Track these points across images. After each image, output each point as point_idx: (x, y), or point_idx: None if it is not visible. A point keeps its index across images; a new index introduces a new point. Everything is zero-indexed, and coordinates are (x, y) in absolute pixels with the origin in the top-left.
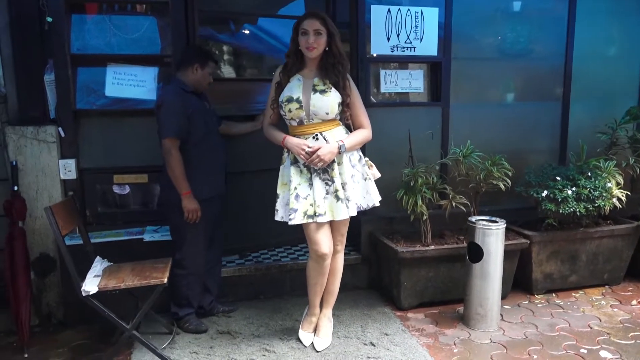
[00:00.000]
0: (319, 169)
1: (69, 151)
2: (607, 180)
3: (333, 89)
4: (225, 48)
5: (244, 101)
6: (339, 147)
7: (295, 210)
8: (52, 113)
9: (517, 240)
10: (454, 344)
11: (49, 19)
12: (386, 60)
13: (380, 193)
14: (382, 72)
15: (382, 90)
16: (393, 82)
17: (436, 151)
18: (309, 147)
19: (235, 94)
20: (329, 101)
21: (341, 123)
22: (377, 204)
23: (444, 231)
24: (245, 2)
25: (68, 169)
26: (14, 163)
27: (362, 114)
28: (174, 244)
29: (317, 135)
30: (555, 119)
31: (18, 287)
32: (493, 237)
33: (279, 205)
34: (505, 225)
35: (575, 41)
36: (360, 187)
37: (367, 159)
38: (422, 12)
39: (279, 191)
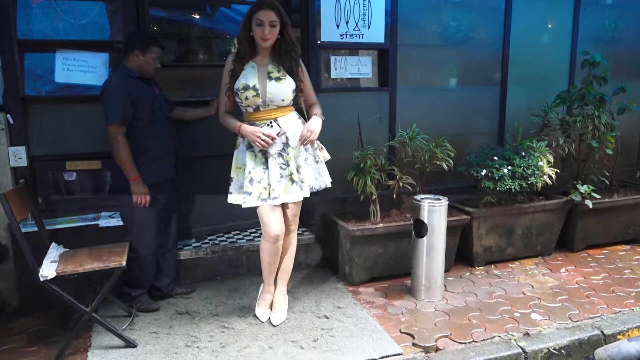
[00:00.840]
0: (276, 152)
1: (19, 138)
2: (539, 159)
3: (287, 75)
4: (187, 30)
5: (197, 87)
6: (322, 121)
7: (250, 194)
8: (0, 100)
9: (459, 217)
10: (402, 313)
11: None
12: (336, 47)
13: (332, 175)
14: (332, 58)
15: (333, 75)
16: (343, 68)
17: (384, 134)
18: (264, 135)
19: (188, 80)
20: (284, 88)
21: (293, 108)
22: (329, 185)
23: (391, 210)
24: None
25: (18, 156)
26: None
27: (313, 93)
28: (126, 228)
29: (271, 122)
30: (494, 103)
31: None
32: (437, 213)
33: (232, 188)
34: (448, 202)
35: (512, 29)
36: (312, 170)
37: (317, 141)
38: (369, 1)
39: (232, 174)
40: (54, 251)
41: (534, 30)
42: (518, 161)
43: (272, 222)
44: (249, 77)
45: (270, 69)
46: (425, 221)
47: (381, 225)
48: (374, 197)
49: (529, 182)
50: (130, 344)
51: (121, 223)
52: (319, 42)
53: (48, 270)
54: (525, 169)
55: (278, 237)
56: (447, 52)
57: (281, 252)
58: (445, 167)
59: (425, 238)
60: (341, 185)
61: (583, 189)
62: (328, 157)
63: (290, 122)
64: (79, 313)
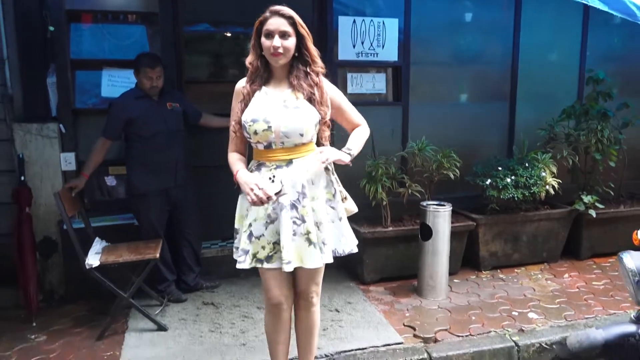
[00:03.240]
0: (289, 203)
1: (69, 145)
2: (542, 170)
3: (307, 104)
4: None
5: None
6: (350, 156)
7: (247, 252)
8: (54, 111)
9: (465, 223)
10: (407, 309)
11: (51, 28)
12: (352, 65)
13: (346, 183)
14: (349, 75)
15: (349, 91)
16: (358, 84)
17: (397, 146)
18: (258, 188)
19: (218, 95)
20: (303, 120)
21: (315, 146)
22: (355, 250)
23: (402, 216)
24: (229, 10)
25: (68, 161)
26: (21, 156)
27: (353, 113)
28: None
29: (273, 177)
30: (503, 117)
31: (27, 266)
32: (441, 218)
33: (237, 242)
34: (452, 208)
35: (521, 47)
36: (334, 228)
37: (341, 189)
38: (383, 23)
39: (237, 225)
40: (98, 245)
41: (543, 47)
42: (521, 171)
43: (273, 287)
44: (260, 106)
45: (287, 95)
46: (430, 225)
47: (391, 228)
48: (384, 202)
49: (532, 191)
50: (162, 328)
51: None
52: (336, 60)
53: (93, 259)
54: (527, 178)
55: (281, 307)
56: (457, 69)
57: (300, 331)
58: (451, 176)
59: (430, 241)
60: (354, 192)
61: (587, 199)
62: (354, 210)
63: (310, 165)
64: (118, 301)
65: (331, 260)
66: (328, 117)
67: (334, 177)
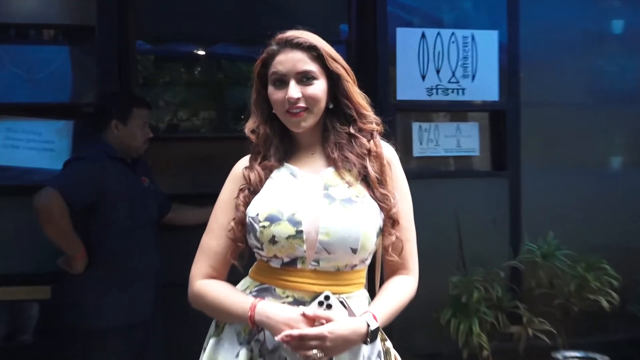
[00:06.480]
0: None
1: None
2: None
3: (365, 192)
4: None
5: (203, 171)
6: (367, 334)
7: None
8: None
9: None
10: None
11: None
12: (421, 108)
13: (415, 313)
14: (416, 126)
15: (416, 153)
16: (432, 140)
17: (502, 247)
18: (314, 335)
19: (188, 159)
20: (359, 221)
21: (365, 283)
22: None
23: None
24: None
25: None
26: None
27: (407, 231)
28: None
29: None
30: None
31: None
32: None
33: None
34: None
35: None
36: None
37: (388, 345)
38: (473, 37)
39: None
40: None
41: None
42: None
43: None
44: (282, 194)
45: (329, 177)
46: None
47: None
48: (485, 353)
49: None
50: None
51: None
52: (393, 101)
53: None
54: None
55: None
56: (601, 114)
57: None
58: (604, 304)
59: None
60: (430, 330)
61: None
62: None
63: (361, 307)
64: None
65: None
66: (396, 208)
67: (388, 346)
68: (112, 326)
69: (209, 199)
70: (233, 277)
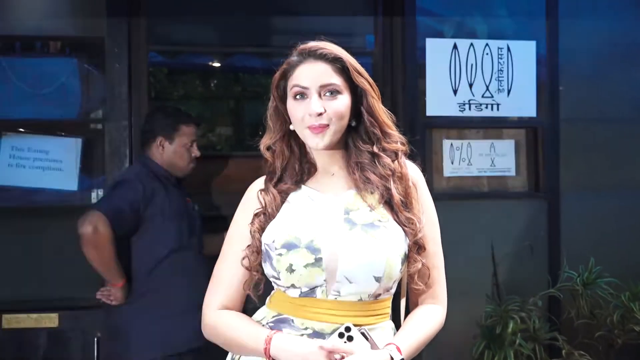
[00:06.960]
0: None
1: None
2: None
3: (389, 216)
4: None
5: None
6: None
7: None
8: None
9: None
10: None
11: None
12: (452, 125)
13: (445, 344)
14: (447, 143)
15: (447, 173)
16: (464, 159)
17: (539, 275)
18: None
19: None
20: (383, 249)
21: (390, 313)
22: None
23: None
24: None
25: None
26: None
27: (438, 264)
28: None
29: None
30: None
31: None
32: None
33: None
34: None
35: None
36: None
37: None
38: (508, 48)
39: None
40: None
41: None
42: None
43: None
44: (300, 219)
45: (350, 200)
46: None
47: None
48: None
49: None
50: None
51: None
52: (422, 118)
53: None
54: None
55: None
56: None
57: None
58: None
59: None
60: None
61: None
62: None
63: (385, 339)
64: None
65: None
66: (422, 233)
67: None
68: (159, 357)
69: (224, 223)
70: (250, 305)
